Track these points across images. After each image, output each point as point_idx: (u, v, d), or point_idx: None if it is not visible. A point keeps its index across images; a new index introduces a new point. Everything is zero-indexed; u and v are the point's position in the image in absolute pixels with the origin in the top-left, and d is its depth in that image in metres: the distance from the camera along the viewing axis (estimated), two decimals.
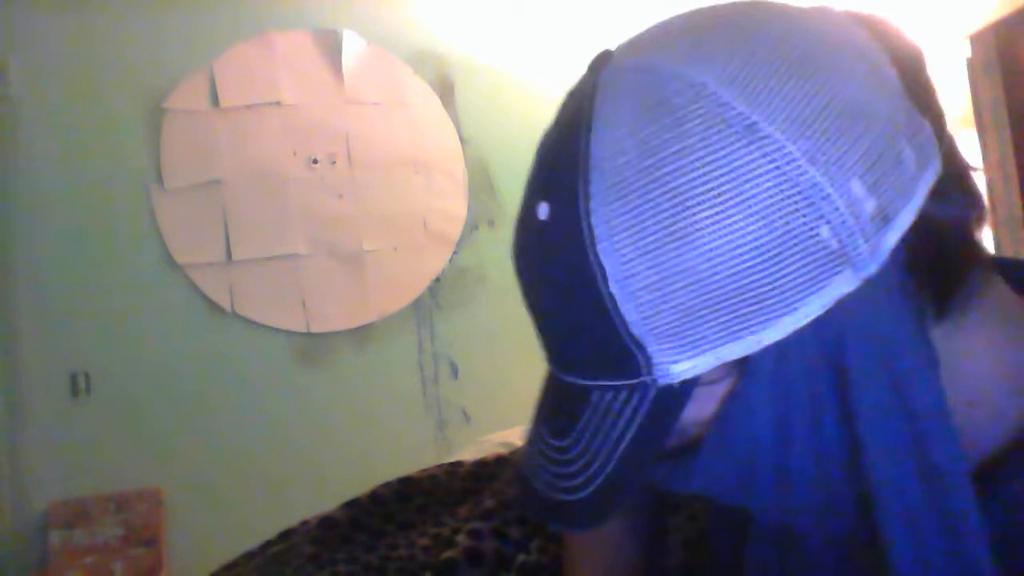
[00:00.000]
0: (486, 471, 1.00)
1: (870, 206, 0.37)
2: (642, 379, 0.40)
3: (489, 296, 2.45)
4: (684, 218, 0.37)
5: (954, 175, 0.41)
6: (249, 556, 0.97)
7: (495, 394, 2.40)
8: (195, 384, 2.20)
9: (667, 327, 0.38)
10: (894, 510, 0.40)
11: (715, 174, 0.37)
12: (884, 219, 0.37)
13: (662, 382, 0.40)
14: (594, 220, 0.39)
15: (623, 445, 0.41)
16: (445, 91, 2.46)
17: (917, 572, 0.40)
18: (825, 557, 0.51)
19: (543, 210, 0.42)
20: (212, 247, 2.23)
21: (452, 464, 1.04)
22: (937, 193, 0.39)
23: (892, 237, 0.37)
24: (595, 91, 0.42)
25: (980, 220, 0.43)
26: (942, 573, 0.40)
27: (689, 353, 0.38)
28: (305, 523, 0.97)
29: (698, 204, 0.37)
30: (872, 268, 0.37)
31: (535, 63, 2.51)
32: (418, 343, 2.41)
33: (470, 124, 2.47)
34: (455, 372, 2.42)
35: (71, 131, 2.17)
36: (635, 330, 0.39)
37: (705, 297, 0.38)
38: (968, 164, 0.43)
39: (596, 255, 0.39)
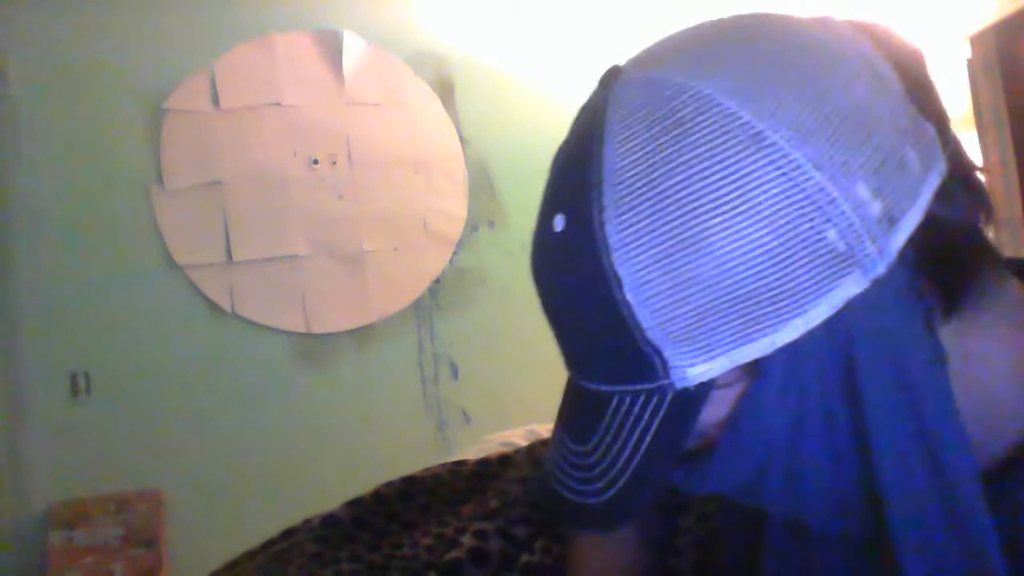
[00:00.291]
0: (489, 470, 1.00)
1: (876, 208, 0.38)
2: (659, 383, 0.41)
3: (489, 297, 2.45)
4: (694, 226, 0.38)
5: (959, 176, 0.42)
6: (250, 555, 0.97)
7: (495, 394, 2.40)
8: (195, 384, 2.20)
9: (682, 332, 0.39)
10: (903, 510, 0.41)
11: (723, 182, 0.38)
12: (890, 221, 0.38)
13: (679, 385, 0.41)
14: (608, 230, 0.40)
15: (643, 448, 0.42)
16: (445, 92, 2.46)
17: (927, 572, 0.41)
18: (837, 559, 0.51)
19: (559, 222, 0.43)
20: (212, 248, 2.22)
21: (456, 463, 1.04)
22: (943, 194, 0.40)
23: (899, 238, 0.38)
24: (606, 105, 0.43)
25: (988, 220, 0.43)
26: (952, 573, 0.40)
27: (704, 356, 0.40)
28: (308, 522, 0.97)
29: (708, 212, 0.38)
30: (880, 269, 0.38)
31: (535, 63, 2.51)
32: (418, 343, 2.41)
33: (470, 124, 2.47)
34: (455, 373, 2.42)
35: (71, 131, 2.17)
36: (651, 335, 0.40)
37: (718, 301, 0.39)
38: (973, 165, 0.44)
39: (611, 264, 0.40)
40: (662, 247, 0.39)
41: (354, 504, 0.96)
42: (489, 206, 2.48)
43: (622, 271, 0.40)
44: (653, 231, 0.39)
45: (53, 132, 2.15)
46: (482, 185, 2.48)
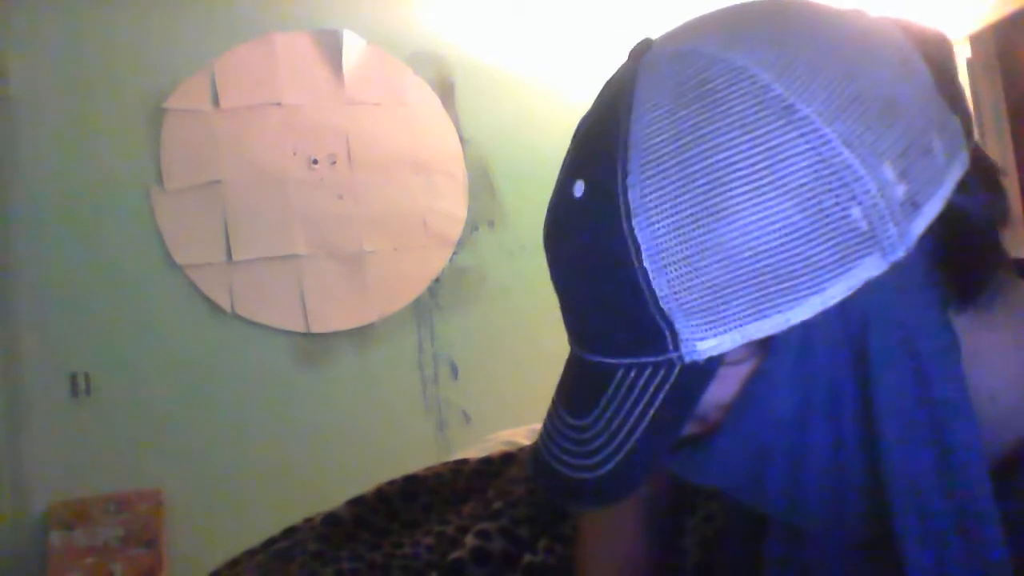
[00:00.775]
0: (491, 469, 1.00)
1: (900, 191, 0.38)
2: (668, 356, 0.41)
3: (489, 296, 2.45)
4: (719, 194, 0.38)
5: (981, 172, 0.42)
6: (252, 553, 0.97)
7: (495, 394, 2.40)
8: (195, 385, 2.20)
9: (696, 303, 0.39)
10: (908, 498, 0.40)
11: (751, 152, 0.38)
12: (913, 205, 0.38)
13: (688, 359, 0.40)
14: (631, 195, 0.40)
15: (644, 423, 0.42)
16: (445, 91, 2.46)
17: (931, 567, 0.40)
18: (836, 564, 0.51)
19: (579, 188, 0.43)
20: (212, 248, 2.22)
21: (457, 462, 1.04)
22: (964, 186, 0.40)
23: (920, 223, 0.38)
24: (636, 76, 0.43)
25: (1005, 220, 0.43)
26: (957, 568, 0.40)
27: (716, 330, 0.39)
28: (309, 520, 0.97)
29: (733, 181, 0.38)
30: (900, 253, 0.38)
31: (535, 63, 2.51)
32: (418, 343, 2.40)
33: (470, 124, 2.47)
34: (455, 372, 2.42)
35: (71, 131, 2.16)
36: (665, 305, 0.40)
37: (736, 273, 0.38)
38: (995, 166, 0.44)
39: (631, 230, 0.40)
40: (684, 214, 0.39)
41: (356, 503, 0.96)
42: (489, 206, 2.48)
43: (641, 237, 0.39)
44: (676, 198, 0.39)
45: (53, 132, 2.15)
46: (482, 185, 2.48)
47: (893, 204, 0.38)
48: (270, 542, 0.97)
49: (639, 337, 0.41)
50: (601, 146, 0.42)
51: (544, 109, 2.44)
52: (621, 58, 0.46)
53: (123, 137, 2.19)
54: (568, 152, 0.46)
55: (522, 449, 1.04)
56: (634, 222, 0.39)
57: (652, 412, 0.42)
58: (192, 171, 2.23)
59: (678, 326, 0.40)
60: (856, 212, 0.37)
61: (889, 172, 0.38)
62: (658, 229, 0.39)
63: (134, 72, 2.21)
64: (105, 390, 2.13)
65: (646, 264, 0.39)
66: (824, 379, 0.41)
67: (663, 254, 0.39)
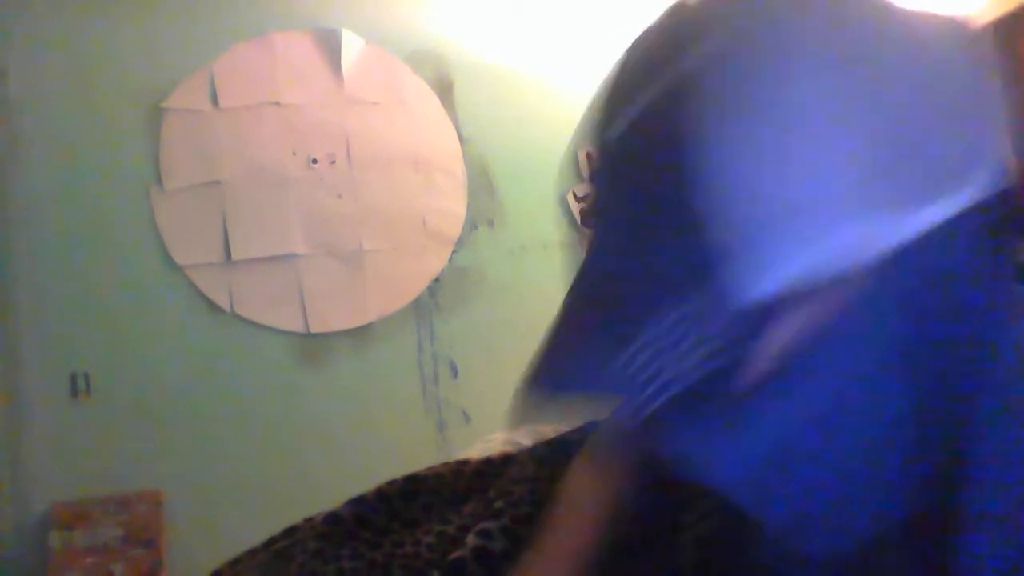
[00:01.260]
0: (492, 469, 1.00)
1: (985, 146, 0.39)
2: (723, 295, 0.39)
3: (489, 296, 2.45)
4: (792, 117, 0.37)
5: None
6: (252, 552, 0.97)
7: (495, 394, 2.38)
8: (195, 385, 2.20)
9: (753, 240, 0.38)
10: (989, 475, 0.39)
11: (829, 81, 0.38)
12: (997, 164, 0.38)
13: (745, 299, 0.38)
14: (693, 127, 0.38)
15: (695, 361, 0.40)
16: (444, 90, 2.46)
17: (990, 548, 0.39)
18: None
19: (645, 118, 0.41)
20: (211, 247, 2.22)
21: (459, 462, 1.04)
22: None
23: (1001, 181, 0.38)
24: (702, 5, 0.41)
25: None
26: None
27: (775, 269, 0.37)
28: (309, 520, 0.97)
29: (808, 112, 0.37)
30: (982, 201, 0.37)
31: (534, 61, 2.51)
32: (418, 343, 2.40)
33: (470, 124, 2.47)
34: (455, 372, 2.42)
35: (70, 132, 2.16)
36: (721, 242, 0.38)
37: (795, 208, 0.37)
38: None
39: (695, 162, 0.38)
40: (747, 148, 0.37)
41: (357, 502, 0.96)
42: (489, 205, 2.48)
43: (706, 170, 0.38)
44: (741, 129, 0.37)
45: (52, 132, 2.15)
46: (481, 184, 2.48)
47: (984, 157, 0.38)
48: (270, 541, 0.97)
49: (695, 274, 0.39)
50: (667, 71, 0.40)
51: (544, 107, 2.44)
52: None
53: (123, 137, 2.19)
54: (616, 82, 0.44)
55: (522, 450, 1.04)
56: (699, 154, 0.37)
57: (701, 352, 0.39)
58: (191, 171, 2.23)
59: (736, 264, 0.38)
60: (941, 151, 0.37)
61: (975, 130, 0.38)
62: (722, 162, 0.37)
63: (133, 73, 2.21)
64: (105, 390, 2.13)
65: (708, 197, 0.37)
66: (897, 336, 0.39)
67: (725, 188, 0.37)
